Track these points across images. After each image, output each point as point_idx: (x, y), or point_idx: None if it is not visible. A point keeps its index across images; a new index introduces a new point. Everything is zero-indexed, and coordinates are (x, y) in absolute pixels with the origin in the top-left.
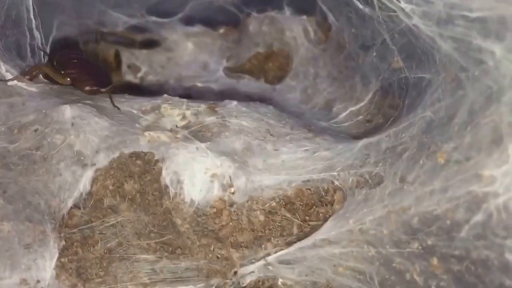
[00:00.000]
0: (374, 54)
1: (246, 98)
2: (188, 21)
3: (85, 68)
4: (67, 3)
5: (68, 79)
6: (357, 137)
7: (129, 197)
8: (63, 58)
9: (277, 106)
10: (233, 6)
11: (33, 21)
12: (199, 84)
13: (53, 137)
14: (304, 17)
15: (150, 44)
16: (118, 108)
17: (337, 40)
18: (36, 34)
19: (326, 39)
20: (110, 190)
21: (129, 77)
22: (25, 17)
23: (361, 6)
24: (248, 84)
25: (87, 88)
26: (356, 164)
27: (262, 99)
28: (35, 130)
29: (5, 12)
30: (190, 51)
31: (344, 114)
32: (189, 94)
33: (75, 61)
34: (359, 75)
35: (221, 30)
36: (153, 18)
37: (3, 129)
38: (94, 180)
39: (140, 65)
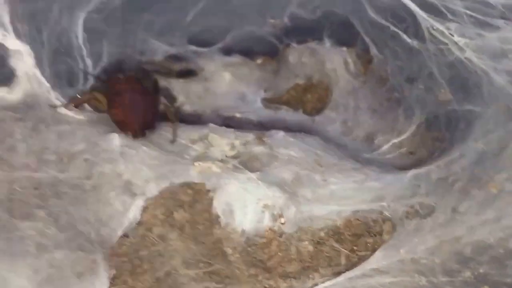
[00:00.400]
0: (420, 86)
1: (286, 129)
2: (226, 51)
3: (132, 107)
4: (113, 31)
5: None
6: (404, 168)
7: (179, 226)
8: (113, 90)
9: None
10: (274, 37)
11: (83, 48)
12: (238, 115)
13: (103, 166)
14: (344, 48)
15: (187, 73)
16: (173, 141)
17: (378, 73)
18: (87, 61)
19: (366, 71)
20: (159, 219)
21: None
22: (75, 45)
23: (408, 40)
24: (286, 115)
25: (130, 134)
26: (406, 195)
27: (302, 130)
28: (85, 160)
29: (56, 39)
30: (227, 81)
31: (386, 146)
32: (228, 125)
33: (123, 96)
34: (403, 108)
35: (259, 61)
36: (193, 48)
37: (53, 158)
38: (143, 209)
39: (176, 95)
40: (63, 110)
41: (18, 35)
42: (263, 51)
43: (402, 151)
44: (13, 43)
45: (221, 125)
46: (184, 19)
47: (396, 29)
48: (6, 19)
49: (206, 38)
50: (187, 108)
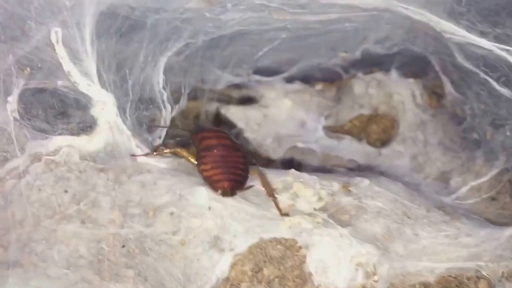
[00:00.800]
0: (508, 133)
1: (352, 162)
2: (289, 79)
3: (222, 163)
4: (191, 69)
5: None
6: (495, 221)
7: (268, 282)
8: (201, 144)
9: (387, 174)
10: (340, 67)
11: (164, 93)
12: (300, 145)
13: (190, 221)
14: (411, 80)
15: (247, 100)
16: (286, 214)
17: (452, 110)
18: (167, 106)
19: (436, 106)
20: (248, 276)
21: None
22: (156, 90)
23: (498, 87)
24: (350, 145)
25: (220, 192)
26: (507, 256)
27: (369, 165)
28: (171, 213)
29: (140, 86)
30: (287, 108)
31: (464, 189)
32: (291, 159)
33: (212, 152)
34: (482, 150)
35: (318, 87)
36: (257, 77)
37: (138, 211)
38: (232, 265)
39: (235, 122)
40: (144, 159)
41: (103, 84)
42: (322, 77)
43: (483, 197)
44: (97, 93)
45: (284, 159)
46: (256, 54)
47: (486, 77)
48: (93, 69)
49: (273, 68)
50: (247, 135)
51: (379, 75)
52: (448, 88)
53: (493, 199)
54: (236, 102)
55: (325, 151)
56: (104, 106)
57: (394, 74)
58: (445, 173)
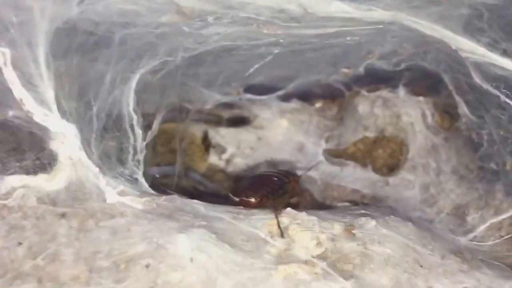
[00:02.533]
0: None
1: (356, 193)
2: (284, 96)
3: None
4: (171, 89)
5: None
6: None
7: None
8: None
9: (396, 208)
10: (341, 84)
11: (134, 117)
12: (298, 172)
13: (169, 275)
14: (421, 98)
15: (239, 121)
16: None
17: (467, 134)
18: (138, 132)
19: (450, 128)
20: None
21: (213, 159)
22: (126, 114)
23: None
24: (354, 173)
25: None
26: None
27: (375, 197)
28: (147, 266)
29: (106, 113)
30: (283, 129)
31: (483, 227)
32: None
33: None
34: (502, 182)
35: (318, 104)
36: (248, 96)
37: (106, 264)
38: None
39: (226, 145)
40: (114, 200)
41: (63, 113)
42: (323, 94)
43: (505, 237)
44: (56, 124)
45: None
46: (247, 70)
47: (508, 100)
48: (50, 96)
49: (267, 86)
50: (238, 160)
51: (385, 93)
52: (463, 109)
53: None
54: (227, 123)
55: (326, 179)
56: (65, 138)
57: (402, 91)
58: (460, 207)
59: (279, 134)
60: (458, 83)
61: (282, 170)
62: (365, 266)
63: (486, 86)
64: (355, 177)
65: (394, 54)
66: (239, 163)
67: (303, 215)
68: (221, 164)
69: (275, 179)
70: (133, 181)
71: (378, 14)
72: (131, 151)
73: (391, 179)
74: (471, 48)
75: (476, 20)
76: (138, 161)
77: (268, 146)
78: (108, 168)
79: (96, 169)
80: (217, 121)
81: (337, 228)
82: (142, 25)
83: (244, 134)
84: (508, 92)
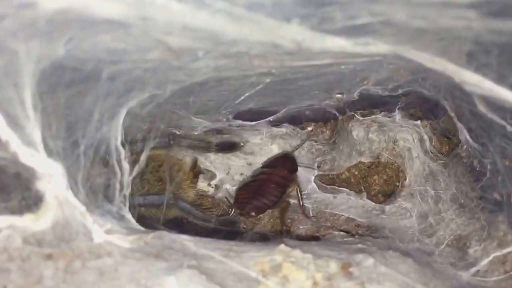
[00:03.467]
0: None
1: (351, 222)
2: (275, 121)
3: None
4: (160, 121)
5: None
6: None
7: None
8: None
9: (394, 238)
10: (335, 109)
11: (122, 151)
12: (289, 200)
13: None
14: (418, 122)
15: (229, 147)
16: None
17: (467, 160)
18: (125, 166)
19: (448, 153)
20: None
21: (202, 185)
22: (113, 149)
23: None
24: (348, 201)
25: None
26: None
27: (372, 226)
28: None
29: (94, 150)
30: (274, 154)
31: (486, 261)
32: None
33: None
34: (506, 214)
35: (309, 127)
36: (239, 122)
37: None
38: None
39: (215, 171)
40: (101, 239)
41: (50, 153)
42: (314, 117)
43: (510, 272)
44: (43, 164)
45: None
46: (236, 99)
47: None
48: (37, 136)
49: (257, 112)
50: (228, 187)
51: (381, 117)
52: (465, 135)
53: None
54: (217, 149)
55: (319, 207)
56: (52, 178)
57: (398, 115)
58: (461, 239)
59: None
60: (460, 111)
61: (281, 171)
62: None
63: (491, 115)
64: (349, 205)
65: (390, 80)
66: (229, 190)
67: (297, 252)
68: (210, 190)
69: (276, 188)
70: (120, 218)
71: (377, 48)
72: (118, 186)
73: (387, 207)
74: (477, 82)
75: (481, 55)
76: (125, 196)
77: None
78: (95, 206)
79: (83, 208)
80: (207, 147)
81: (333, 266)
82: (130, 61)
83: (234, 160)
84: None
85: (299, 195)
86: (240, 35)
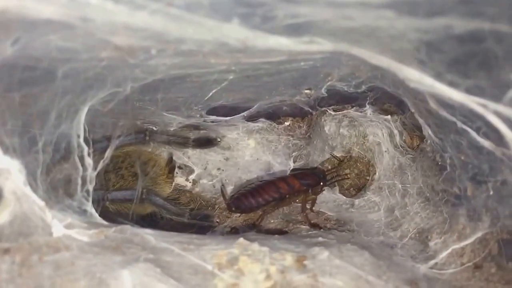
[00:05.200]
0: (491, 193)
1: (321, 216)
2: (251, 116)
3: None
4: (123, 115)
5: None
6: None
7: None
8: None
9: (359, 232)
10: (306, 105)
11: (85, 148)
12: None
13: None
14: (389, 117)
15: (205, 142)
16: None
17: (432, 156)
18: (88, 163)
19: (416, 147)
20: None
21: (180, 180)
22: (75, 145)
23: (478, 138)
24: (321, 195)
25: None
26: None
27: (340, 220)
28: None
29: (53, 146)
30: (251, 149)
31: (445, 254)
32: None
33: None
34: (465, 208)
35: (287, 123)
36: (213, 117)
37: None
38: None
39: (192, 166)
40: (61, 233)
41: (6, 150)
42: (292, 113)
43: (466, 265)
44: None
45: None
46: (205, 95)
47: (464, 126)
48: None
49: (230, 108)
50: (204, 181)
51: (352, 112)
52: (427, 131)
53: (476, 267)
54: (194, 145)
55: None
56: (9, 174)
57: (369, 110)
58: (424, 232)
59: (247, 155)
60: (417, 107)
61: (293, 179)
62: None
63: (442, 112)
64: (321, 200)
65: (352, 77)
66: (206, 184)
67: (255, 246)
68: (188, 185)
69: (273, 192)
70: (82, 212)
71: (322, 46)
72: (80, 182)
73: (357, 201)
74: (418, 79)
75: (416, 53)
76: (88, 191)
77: (235, 167)
78: (55, 201)
79: (42, 203)
80: (184, 143)
81: (289, 259)
82: (84, 60)
83: (211, 155)
84: (464, 119)
85: (310, 205)
86: (184, 34)
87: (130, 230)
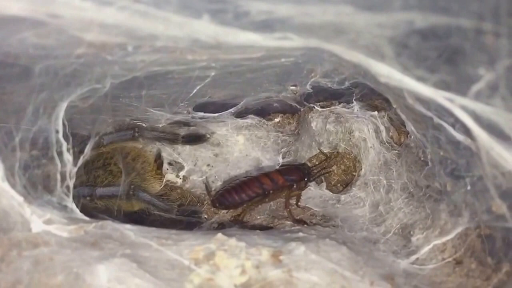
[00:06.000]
0: (468, 188)
1: (307, 212)
2: (240, 113)
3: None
4: (104, 111)
5: None
6: None
7: None
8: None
9: (343, 227)
10: (294, 101)
11: (64, 143)
12: None
13: None
14: (375, 113)
15: (195, 139)
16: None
17: (416, 152)
18: (67, 158)
19: (400, 143)
20: None
21: (170, 177)
22: (54, 141)
23: (455, 133)
24: (307, 191)
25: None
26: None
27: (326, 215)
28: None
29: (30, 142)
30: (240, 146)
31: (426, 249)
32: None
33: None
34: (446, 203)
35: (277, 119)
36: (201, 114)
37: None
38: None
39: (183, 163)
40: (40, 229)
41: None
42: (281, 109)
43: (447, 260)
44: None
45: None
46: (190, 92)
47: (441, 121)
48: None
49: (218, 105)
50: (194, 178)
51: (339, 108)
52: (410, 127)
53: (457, 262)
54: (183, 141)
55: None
56: None
57: (356, 106)
58: (407, 227)
59: (236, 151)
60: (398, 103)
61: (276, 174)
62: None
63: (418, 107)
64: (308, 195)
65: (336, 73)
66: (196, 180)
67: (232, 241)
68: (179, 181)
69: (256, 188)
70: (62, 208)
71: (293, 42)
72: (60, 177)
73: (343, 197)
74: (388, 74)
75: (384, 49)
76: (68, 187)
77: (225, 163)
78: (34, 196)
79: (21, 198)
80: (173, 139)
81: (265, 254)
82: (61, 56)
83: (201, 151)
84: (439, 114)
85: (296, 201)
86: (155, 30)
87: (110, 226)
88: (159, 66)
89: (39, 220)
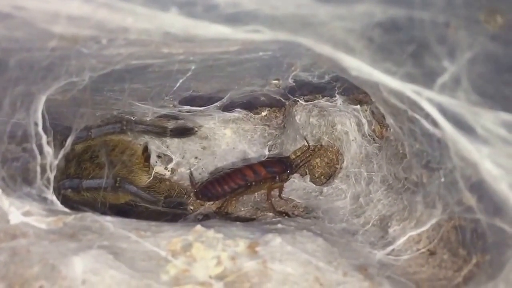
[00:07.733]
0: (442, 180)
1: (289, 203)
2: (227, 106)
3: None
4: (84, 104)
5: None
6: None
7: None
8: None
9: (324, 219)
10: (278, 94)
11: (43, 136)
12: None
13: None
14: (358, 106)
15: (183, 132)
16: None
17: (395, 145)
18: (47, 151)
19: (382, 136)
20: None
21: (159, 169)
22: (33, 134)
23: (429, 126)
24: (292, 184)
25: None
26: None
27: (308, 207)
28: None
29: (9, 135)
30: (227, 139)
31: (402, 240)
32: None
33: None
34: (422, 194)
35: (264, 113)
36: (187, 107)
37: (1, 286)
38: None
39: (171, 155)
40: (18, 220)
41: None
42: (268, 103)
43: (421, 251)
44: None
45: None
46: (173, 85)
47: (414, 114)
48: None
49: (204, 98)
50: (183, 170)
51: (322, 102)
52: (389, 120)
53: (431, 253)
54: (171, 134)
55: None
56: None
57: (339, 100)
58: (385, 219)
59: (223, 144)
60: (376, 96)
61: (259, 166)
62: (262, 285)
63: (393, 100)
64: (292, 187)
65: (315, 66)
66: (184, 173)
67: (210, 233)
68: (167, 173)
69: (238, 179)
70: (42, 200)
71: (264, 35)
72: (39, 170)
73: (325, 189)
74: (357, 67)
75: (350, 42)
76: (48, 179)
77: (212, 156)
78: (12, 189)
79: None
80: (162, 132)
81: (241, 245)
82: (34, 49)
83: (189, 144)
84: (412, 107)
85: (279, 192)
86: (124, 23)
87: (90, 218)
88: (137, 60)
89: (18, 212)
